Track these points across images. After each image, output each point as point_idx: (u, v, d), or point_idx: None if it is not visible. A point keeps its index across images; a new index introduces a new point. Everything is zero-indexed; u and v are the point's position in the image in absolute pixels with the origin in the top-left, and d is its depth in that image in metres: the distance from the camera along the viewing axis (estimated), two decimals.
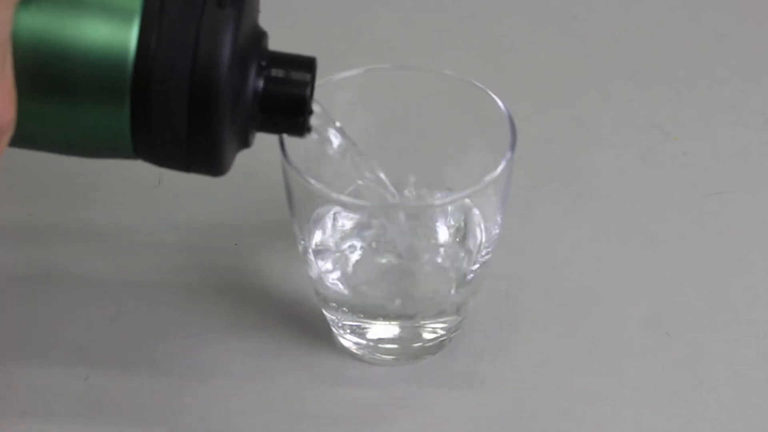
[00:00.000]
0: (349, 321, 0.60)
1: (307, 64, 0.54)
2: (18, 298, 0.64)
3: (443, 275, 0.61)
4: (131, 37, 0.49)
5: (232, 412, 0.60)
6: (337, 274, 0.60)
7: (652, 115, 0.76)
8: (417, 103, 0.62)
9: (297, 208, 0.59)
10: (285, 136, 0.56)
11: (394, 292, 0.60)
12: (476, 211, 0.61)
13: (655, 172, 0.72)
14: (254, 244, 0.67)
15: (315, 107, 0.54)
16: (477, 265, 0.60)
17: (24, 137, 0.50)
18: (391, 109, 0.62)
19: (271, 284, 0.65)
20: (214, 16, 0.50)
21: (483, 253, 0.60)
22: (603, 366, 0.62)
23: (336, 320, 0.61)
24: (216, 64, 0.49)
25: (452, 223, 0.61)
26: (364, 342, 0.61)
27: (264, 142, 0.55)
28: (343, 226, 0.62)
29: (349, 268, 0.61)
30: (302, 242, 0.60)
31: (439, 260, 0.61)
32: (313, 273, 0.60)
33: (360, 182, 0.58)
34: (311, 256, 0.60)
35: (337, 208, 0.62)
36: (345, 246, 0.61)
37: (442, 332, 0.61)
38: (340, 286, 0.60)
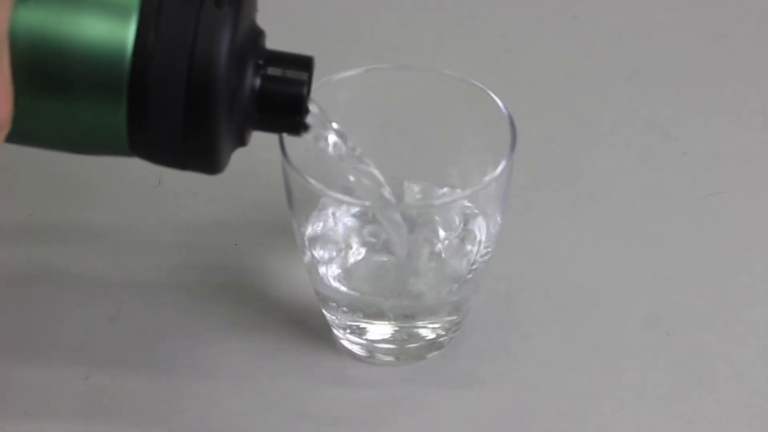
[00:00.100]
0: (349, 321, 0.60)
1: (305, 63, 0.54)
2: (18, 298, 0.64)
3: (443, 275, 0.61)
4: (129, 34, 0.49)
5: (232, 412, 0.60)
6: (336, 273, 0.60)
7: (652, 115, 0.76)
8: (417, 103, 0.62)
9: (297, 208, 0.59)
10: (284, 135, 0.56)
11: (393, 291, 0.60)
12: (476, 211, 0.61)
13: (655, 172, 0.72)
14: (254, 244, 0.67)
15: (311, 106, 0.54)
16: (477, 265, 0.60)
17: (21, 133, 0.50)
18: (391, 109, 0.62)
19: (271, 284, 0.65)
20: (211, 14, 0.50)
21: (483, 253, 0.60)
22: (603, 366, 0.62)
23: (336, 320, 0.61)
24: (213, 63, 0.49)
25: (452, 223, 0.61)
26: (363, 342, 0.61)
27: (264, 141, 0.55)
28: (342, 225, 0.62)
29: (349, 267, 0.61)
30: (302, 241, 0.60)
31: (439, 260, 0.61)
32: (313, 272, 0.60)
33: (352, 178, 0.58)
34: (311, 255, 0.60)
35: (336, 207, 0.62)
36: (344, 245, 0.61)
37: (442, 332, 0.61)
38: (340, 285, 0.60)
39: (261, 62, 0.53)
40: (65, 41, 0.49)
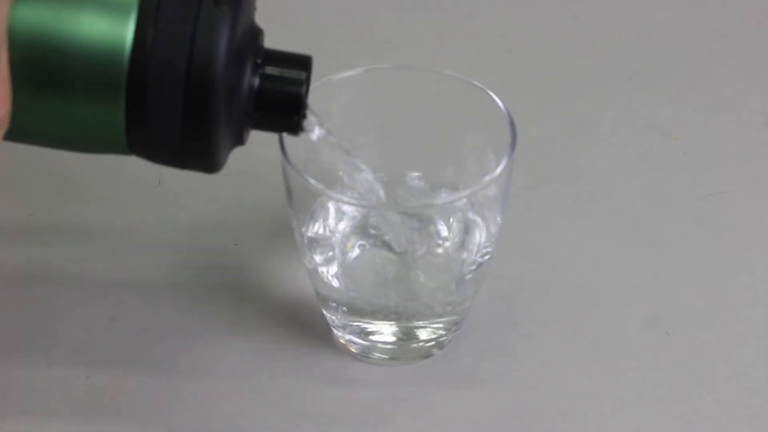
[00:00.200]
0: (349, 321, 0.60)
1: (303, 63, 0.54)
2: (18, 298, 0.64)
3: (443, 275, 0.61)
4: (128, 32, 0.49)
5: (232, 412, 0.60)
6: (336, 273, 0.60)
7: (652, 115, 0.76)
8: (417, 103, 0.62)
9: (296, 207, 0.59)
10: (283, 134, 0.56)
11: (393, 291, 0.60)
12: (476, 211, 0.61)
13: (655, 172, 0.72)
14: (254, 244, 0.67)
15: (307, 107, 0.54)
16: (476, 265, 0.60)
17: (19, 131, 0.50)
18: (391, 109, 0.62)
19: (271, 284, 0.65)
20: (210, 13, 0.50)
21: (483, 252, 0.60)
22: (603, 366, 0.62)
23: (336, 320, 0.61)
24: (212, 61, 0.49)
25: (452, 223, 0.61)
26: (363, 342, 0.61)
27: (263, 140, 0.55)
28: (342, 224, 0.62)
29: (348, 267, 0.61)
30: (302, 241, 0.60)
31: (439, 260, 0.61)
32: (313, 272, 0.60)
33: (345, 177, 0.57)
34: (310, 255, 0.60)
35: (336, 207, 0.62)
36: (344, 244, 0.61)
37: (442, 332, 0.61)
38: (340, 284, 0.60)
39: (259, 61, 0.53)
40: (64, 39, 0.49)
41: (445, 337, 0.61)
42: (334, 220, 0.62)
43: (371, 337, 0.61)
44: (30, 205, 0.69)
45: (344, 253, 0.61)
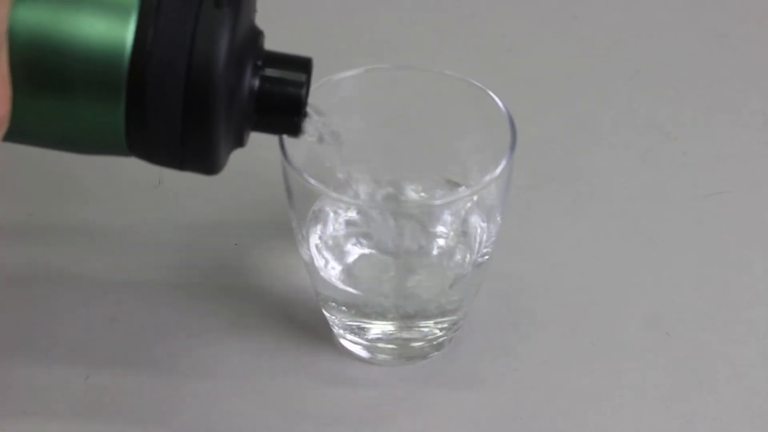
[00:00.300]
0: (349, 321, 0.60)
1: (304, 65, 0.54)
2: (18, 298, 0.64)
3: (443, 275, 0.61)
4: (128, 33, 0.49)
5: (232, 412, 0.60)
6: (336, 272, 0.60)
7: (652, 115, 0.76)
8: (417, 103, 0.62)
9: (296, 207, 0.59)
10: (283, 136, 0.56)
11: (392, 290, 0.60)
12: (476, 211, 0.61)
13: (655, 172, 0.72)
14: (254, 244, 0.67)
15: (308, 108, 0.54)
16: (476, 265, 0.60)
17: (19, 132, 0.50)
18: (391, 109, 0.62)
19: (271, 284, 0.65)
20: (211, 14, 0.50)
21: (482, 252, 0.60)
22: (603, 366, 0.62)
23: (336, 320, 0.61)
24: (212, 62, 0.49)
25: (452, 222, 0.61)
26: (364, 342, 0.61)
27: (263, 141, 0.55)
28: (342, 224, 0.62)
29: (348, 266, 0.61)
30: (301, 241, 0.60)
31: (439, 260, 0.61)
32: (313, 271, 0.60)
33: (340, 176, 0.58)
34: (310, 255, 0.60)
35: (336, 207, 0.62)
36: (344, 244, 0.61)
37: (442, 332, 0.61)
38: (339, 284, 0.60)
39: (260, 63, 0.53)
40: (64, 39, 0.49)
41: (445, 337, 0.61)
42: (334, 220, 0.62)
43: (371, 337, 0.61)
44: (30, 205, 0.69)
45: (344, 253, 0.61)
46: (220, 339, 0.62)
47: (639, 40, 0.81)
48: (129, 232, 0.68)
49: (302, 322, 0.63)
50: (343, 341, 0.62)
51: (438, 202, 0.62)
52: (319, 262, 0.60)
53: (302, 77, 0.53)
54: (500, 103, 0.59)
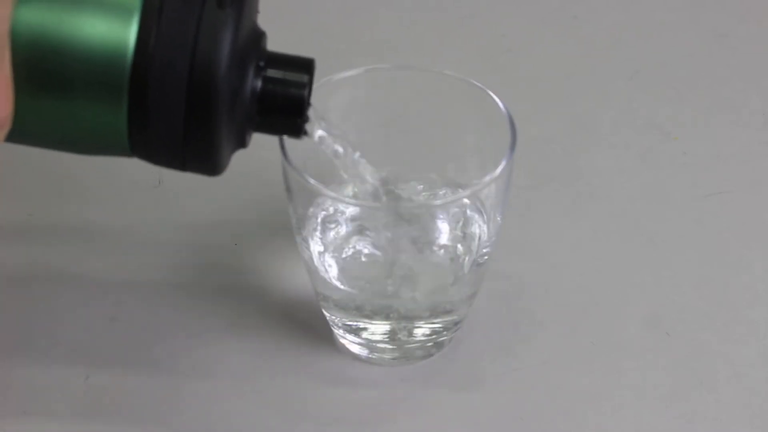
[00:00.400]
0: (349, 320, 0.60)
1: (306, 66, 0.54)
2: (18, 298, 0.64)
3: (443, 275, 0.61)
4: (130, 34, 0.49)
5: (232, 412, 0.60)
6: (335, 272, 0.60)
7: (652, 115, 0.76)
8: (417, 103, 0.62)
9: (296, 207, 0.59)
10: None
11: (392, 291, 0.60)
12: (476, 211, 0.61)
13: (655, 172, 0.72)
14: (254, 244, 0.67)
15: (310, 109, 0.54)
16: (476, 265, 0.60)
17: (21, 132, 0.50)
18: (391, 109, 0.62)
19: (271, 284, 0.65)
20: (213, 15, 0.50)
21: (482, 252, 0.60)
22: (603, 366, 0.62)
23: (336, 320, 0.61)
24: (214, 63, 0.49)
25: (452, 222, 0.61)
26: (363, 342, 0.61)
27: (263, 141, 0.55)
28: (341, 224, 0.62)
29: (348, 266, 0.61)
30: (301, 241, 0.60)
31: (439, 260, 0.61)
32: (313, 271, 0.60)
33: (346, 176, 0.58)
34: (310, 255, 0.60)
35: (336, 207, 0.62)
36: (344, 244, 0.61)
37: (442, 332, 0.61)
38: (339, 284, 0.60)
39: (262, 64, 0.53)
40: (66, 40, 0.49)
41: (445, 337, 0.61)
42: (334, 220, 0.62)
43: (371, 337, 0.61)
44: (30, 205, 0.69)
45: (344, 252, 0.61)
46: (220, 339, 0.62)
47: (639, 40, 0.81)
48: (129, 232, 0.68)
49: (302, 322, 0.63)
50: (343, 341, 0.62)
51: (438, 202, 0.62)
52: (318, 262, 0.60)
53: (304, 78, 0.53)
54: (500, 103, 0.59)
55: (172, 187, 0.70)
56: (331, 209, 0.62)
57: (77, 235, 0.67)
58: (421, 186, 0.64)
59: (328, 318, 0.61)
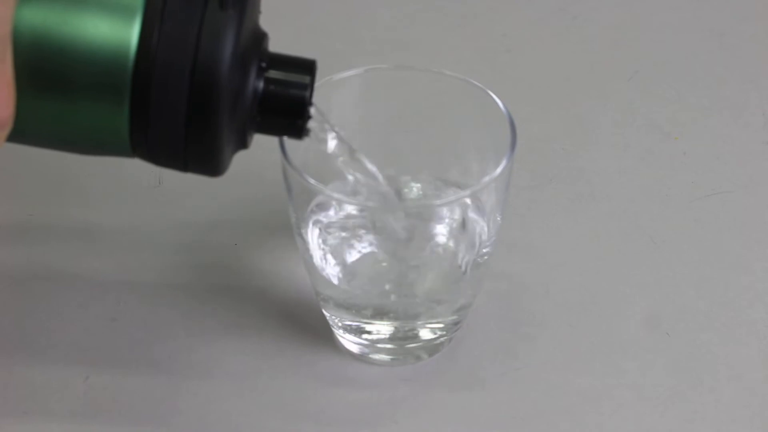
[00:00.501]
0: (349, 320, 0.60)
1: (308, 67, 0.54)
2: (18, 298, 0.64)
3: (443, 275, 0.61)
4: (132, 35, 0.49)
5: (232, 412, 0.60)
6: (336, 272, 0.60)
7: (652, 115, 0.76)
8: (417, 103, 0.62)
9: (296, 207, 0.59)
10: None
11: (392, 291, 0.60)
12: (476, 211, 0.61)
13: (655, 172, 0.72)
14: (254, 243, 0.67)
15: (311, 110, 0.54)
16: (476, 265, 0.60)
17: (22, 132, 0.50)
18: (391, 109, 0.62)
19: (271, 284, 0.65)
20: (215, 16, 0.50)
21: (482, 252, 0.60)
22: (603, 366, 0.62)
23: (336, 320, 0.61)
24: (216, 64, 0.49)
25: (452, 222, 0.61)
26: (364, 342, 0.61)
27: (264, 141, 0.55)
28: (341, 224, 0.62)
29: (348, 266, 0.61)
30: (301, 241, 0.60)
31: (439, 260, 0.61)
32: (313, 271, 0.60)
33: (351, 178, 0.58)
34: (310, 254, 0.60)
35: (336, 207, 0.62)
36: (343, 244, 0.61)
37: (442, 332, 0.61)
38: (339, 283, 0.60)
39: (264, 65, 0.53)
40: (68, 41, 0.49)
41: (445, 338, 0.61)
42: (334, 219, 0.62)
43: (371, 337, 0.61)
44: (30, 205, 0.69)
45: (344, 252, 0.61)
46: (219, 339, 0.62)
47: (639, 40, 0.81)
48: (129, 232, 0.68)
49: (302, 322, 0.63)
50: (343, 341, 0.62)
51: (438, 202, 0.62)
52: (318, 262, 0.60)
53: (306, 79, 0.53)
54: (500, 103, 0.59)
55: (172, 187, 0.70)
56: (331, 209, 0.62)
57: (77, 235, 0.67)
58: (421, 186, 0.64)
59: (328, 318, 0.61)
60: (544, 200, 0.70)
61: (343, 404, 0.60)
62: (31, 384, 0.60)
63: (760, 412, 0.60)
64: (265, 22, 0.54)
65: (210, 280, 0.65)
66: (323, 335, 0.62)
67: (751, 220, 0.69)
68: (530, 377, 0.61)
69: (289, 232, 0.60)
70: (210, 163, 0.52)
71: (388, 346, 0.61)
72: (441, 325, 0.61)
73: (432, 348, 0.61)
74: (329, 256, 0.61)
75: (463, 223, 0.61)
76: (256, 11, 0.53)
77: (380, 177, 0.58)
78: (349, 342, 0.62)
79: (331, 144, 0.56)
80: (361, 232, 0.62)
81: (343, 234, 0.62)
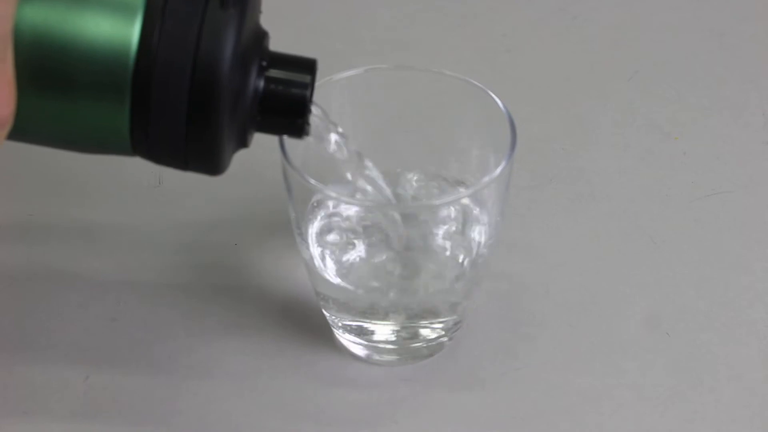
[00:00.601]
0: (349, 320, 0.60)
1: (308, 66, 0.54)
2: (18, 298, 0.64)
3: (442, 275, 0.61)
4: (133, 33, 0.49)
5: (232, 412, 0.60)
6: (336, 272, 0.60)
7: (652, 115, 0.76)
8: (417, 103, 0.62)
9: (296, 207, 0.59)
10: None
11: (393, 290, 0.60)
12: (476, 211, 0.61)
13: (655, 172, 0.72)
14: (254, 243, 0.67)
15: (313, 109, 0.54)
16: (476, 265, 0.60)
17: (23, 131, 0.50)
18: (391, 109, 0.62)
19: (271, 284, 0.65)
20: (216, 15, 0.50)
21: (482, 252, 0.60)
22: (603, 366, 0.62)
23: (336, 320, 0.61)
24: (217, 63, 0.49)
25: (452, 222, 0.61)
26: (364, 342, 0.61)
27: (263, 141, 0.55)
28: (341, 223, 0.62)
29: (348, 266, 0.61)
30: (301, 241, 0.60)
31: (439, 260, 0.61)
32: (313, 271, 0.60)
33: (350, 176, 0.58)
34: (310, 254, 0.60)
35: (336, 206, 0.62)
36: (344, 244, 0.61)
37: (442, 332, 0.61)
38: (339, 283, 0.60)
39: (264, 64, 0.53)
40: (69, 39, 0.49)
41: (445, 337, 0.61)
42: (334, 219, 0.62)
43: (371, 337, 0.61)
44: (30, 205, 0.69)
45: (343, 252, 0.61)
46: (219, 339, 0.62)
47: (639, 40, 0.81)
48: (129, 232, 0.68)
49: (302, 322, 0.63)
50: (343, 341, 0.62)
51: (438, 202, 0.62)
52: (318, 262, 0.60)
53: (306, 78, 0.53)
54: (500, 103, 0.59)
55: (172, 187, 0.70)
56: (331, 209, 0.62)
57: (77, 235, 0.67)
58: (421, 186, 0.64)
59: (328, 318, 0.61)
60: (544, 200, 0.70)
61: (343, 404, 0.60)
62: (31, 384, 0.60)
63: (760, 412, 0.60)
64: (265, 22, 0.54)
65: (210, 280, 0.65)
66: (323, 335, 0.62)
67: (751, 220, 0.69)
68: (530, 377, 0.61)
69: (289, 232, 0.60)
70: (210, 162, 0.52)
71: (388, 346, 0.61)
72: (441, 325, 0.61)
73: (432, 348, 0.61)
74: (329, 256, 0.61)
75: (463, 223, 0.61)
76: (257, 10, 0.53)
77: (382, 178, 0.58)
78: (349, 342, 0.62)
79: (332, 144, 0.56)
80: (361, 231, 0.62)
81: (343, 234, 0.62)
